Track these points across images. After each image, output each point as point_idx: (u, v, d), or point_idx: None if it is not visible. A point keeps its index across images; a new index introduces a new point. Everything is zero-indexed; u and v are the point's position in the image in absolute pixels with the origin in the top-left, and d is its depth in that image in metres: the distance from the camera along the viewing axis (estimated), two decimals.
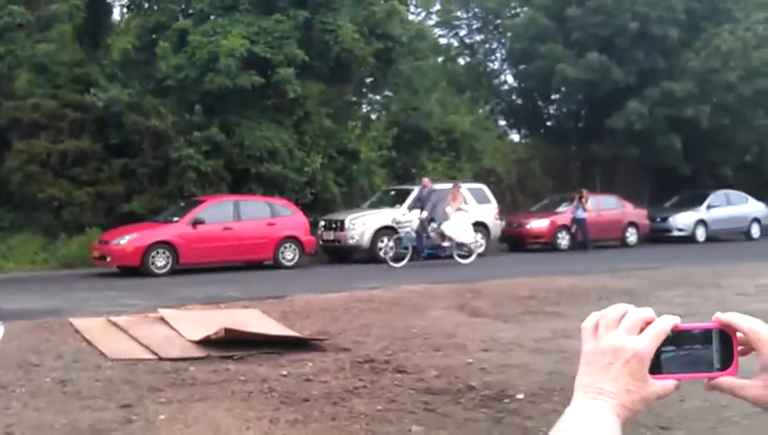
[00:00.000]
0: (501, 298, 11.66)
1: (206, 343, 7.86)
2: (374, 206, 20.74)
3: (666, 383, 0.93)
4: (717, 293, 11.82)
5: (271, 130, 20.93)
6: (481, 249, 20.64)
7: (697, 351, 0.94)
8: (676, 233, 24.52)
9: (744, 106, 26.51)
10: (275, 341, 8.03)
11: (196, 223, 17.48)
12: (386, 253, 17.84)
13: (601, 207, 23.32)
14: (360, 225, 19.18)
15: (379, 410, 5.86)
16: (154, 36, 21.81)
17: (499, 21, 32.31)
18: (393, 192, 21.42)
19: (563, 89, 29.91)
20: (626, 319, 0.94)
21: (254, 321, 8.96)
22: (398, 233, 18.29)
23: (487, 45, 33.80)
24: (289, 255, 18.37)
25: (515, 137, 33.32)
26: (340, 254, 19.75)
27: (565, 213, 22.76)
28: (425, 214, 17.95)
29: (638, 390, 0.92)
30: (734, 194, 26.04)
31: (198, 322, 8.70)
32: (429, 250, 18.06)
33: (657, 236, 24.28)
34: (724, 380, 0.95)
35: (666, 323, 0.93)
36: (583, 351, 0.96)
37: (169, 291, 13.36)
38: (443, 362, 7.39)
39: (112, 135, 20.37)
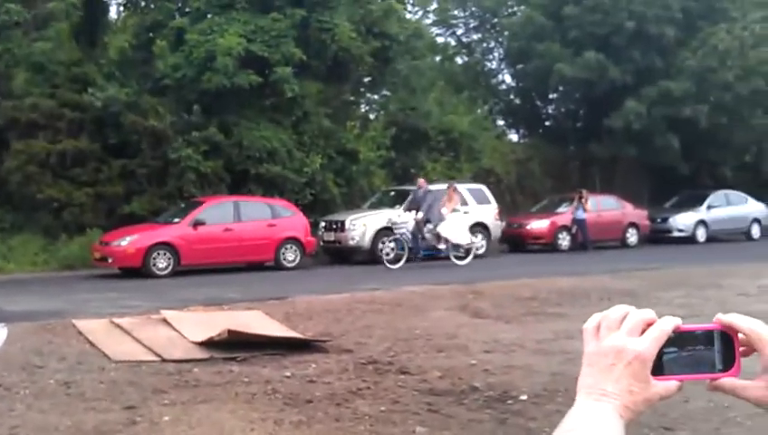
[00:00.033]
0: (502, 299, 11.67)
1: (209, 344, 7.86)
2: (374, 206, 20.71)
3: (668, 384, 0.94)
4: (718, 293, 11.84)
5: (269, 130, 20.92)
6: (481, 250, 20.69)
7: (699, 352, 0.95)
8: (676, 233, 24.53)
9: (742, 105, 26.52)
10: (278, 342, 8.03)
11: (196, 224, 17.47)
12: (387, 254, 17.78)
13: (601, 207, 23.32)
14: (361, 226, 19.15)
15: (383, 411, 5.87)
16: (151, 35, 21.78)
17: (496, 20, 32.29)
18: (393, 193, 21.40)
19: (561, 88, 29.90)
20: (627, 320, 0.94)
21: (257, 322, 8.96)
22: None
23: (485, 44, 33.79)
24: (290, 256, 18.36)
25: (514, 137, 33.33)
26: (341, 255, 19.73)
27: (565, 213, 22.75)
28: (420, 215, 17.87)
29: (641, 391, 0.92)
30: (734, 194, 26.05)
31: (201, 323, 8.71)
32: (425, 251, 18.00)
33: (657, 236, 24.27)
34: (726, 381, 0.95)
35: (667, 325, 0.93)
36: (585, 352, 0.96)
37: (171, 292, 13.36)
38: (446, 364, 7.39)
39: (111, 135, 20.35)
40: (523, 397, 6.17)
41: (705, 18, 27.11)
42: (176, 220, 17.81)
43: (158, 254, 16.92)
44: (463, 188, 21.34)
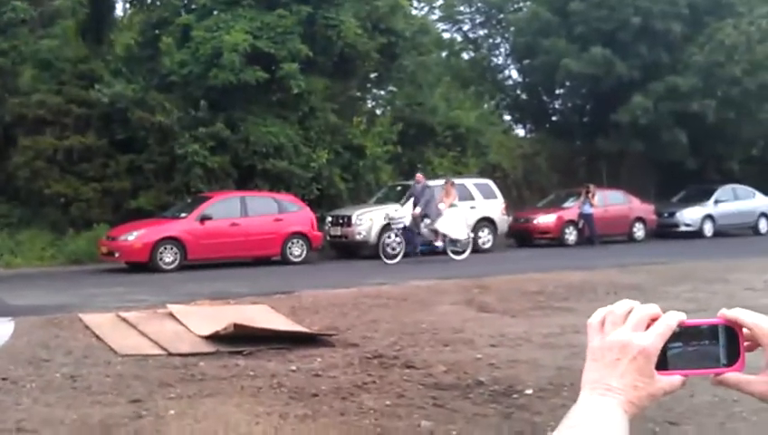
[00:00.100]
0: (509, 293, 11.66)
1: (215, 338, 7.87)
2: (380, 201, 20.71)
3: (672, 379, 0.94)
4: (725, 288, 11.80)
5: (276, 126, 20.93)
6: (488, 245, 20.72)
7: (704, 347, 0.95)
8: (683, 228, 24.46)
9: (750, 100, 26.43)
10: (284, 336, 8.04)
11: (203, 219, 17.52)
12: (393, 248, 17.76)
13: (608, 202, 23.27)
14: (367, 220, 19.14)
15: (388, 405, 5.86)
16: (157, 32, 21.81)
17: (502, 15, 32.25)
18: (399, 188, 21.38)
19: (568, 83, 29.86)
20: (632, 315, 0.95)
21: (263, 316, 8.98)
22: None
23: (491, 40, 33.76)
24: (296, 250, 18.40)
25: (520, 132, 33.29)
26: (348, 249, 19.75)
27: (572, 208, 22.73)
28: (418, 210, 17.80)
29: (646, 386, 0.92)
30: (742, 189, 25.96)
31: (207, 317, 8.72)
32: (423, 246, 17.93)
33: (664, 231, 24.21)
34: (731, 376, 0.95)
35: (672, 320, 0.94)
36: (590, 347, 0.96)
37: (177, 287, 13.38)
38: (451, 358, 7.39)
39: (118, 131, 20.41)
40: (529, 391, 6.15)
41: (711, 13, 27.02)
42: (182, 215, 17.85)
43: (165, 248, 16.97)
44: (470, 182, 21.35)
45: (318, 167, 21.19)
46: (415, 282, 13.10)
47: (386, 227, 18.75)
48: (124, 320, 8.93)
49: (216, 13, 21.29)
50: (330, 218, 19.99)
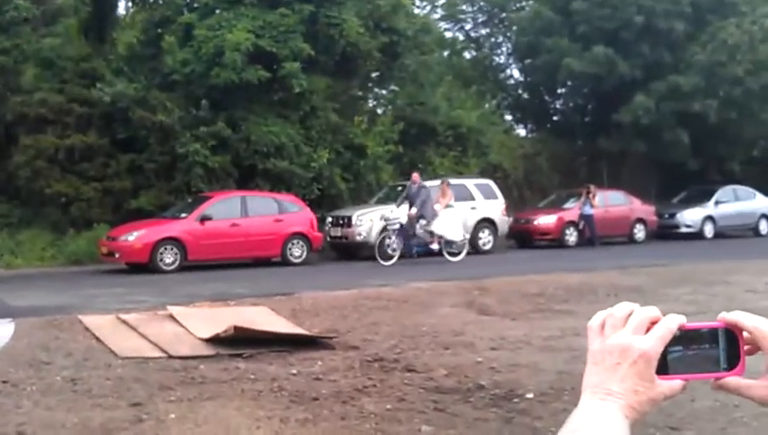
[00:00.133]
0: (509, 295, 11.66)
1: (215, 341, 7.87)
2: (381, 202, 20.67)
3: (673, 384, 0.93)
4: (726, 290, 11.80)
5: (277, 126, 20.92)
6: (488, 246, 20.70)
7: (704, 351, 0.94)
8: (683, 229, 24.45)
9: (752, 100, 26.42)
10: (285, 339, 8.04)
11: (203, 219, 17.51)
12: (393, 250, 17.73)
13: (609, 203, 23.25)
14: (368, 221, 19.12)
15: (389, 409, 5.86)
16: (159, 30, 21.81)
17: (504, 14, 32.27)
18: (400, 188, 21.32)
19: (569, 83, 29.85)
20: (632, 318, 0.94)
21: (264, 319, 8.97)
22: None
23: (493, 39, 33.77)
24: (297, 251, 18.39)
25: (522, 132, 33.28)
26: (348, 250, 19.73)
27: (573, 209, 22.71)
28: (414, 210, 17.71)
29: (646, 390, 0.92)
30: (742, 190, 25.94)
31: (208, 319, 8.72)
32: (419, 248, 17.86)
33: (664, 232, 24.21)
34: (731, 380, 0.94)
35: (672, 323, 0.93)
36: (590, 350, 0.96)
37: (178, 288, 13.37)
38: (452, 361, 7.38)
39: (119, 130, 20.41)
40: (530, 395, 6.15)
41: (714, 13, 27.00)
42: (183, 215, 17.84)
43: (165, 249, 16.96)
44: (470, 183, 21.33)
45: (319, 166, 21.18)
46: (415, 284, 13.09)
47: (385, 228, 18.72)
48: (124, 322, 8.93)
49: (218, 12, 21.28)
50: (330, 219, 19.97)
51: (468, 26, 33.84)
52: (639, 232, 23.71)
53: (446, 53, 32.04)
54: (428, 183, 18.80)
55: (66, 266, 18.24)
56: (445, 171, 23.51)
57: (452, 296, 11.69)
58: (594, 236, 21.97)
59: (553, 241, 22.33)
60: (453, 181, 20.71)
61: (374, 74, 25.37)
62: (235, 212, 18.05)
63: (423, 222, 17.72)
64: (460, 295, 11.73)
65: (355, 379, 6.74)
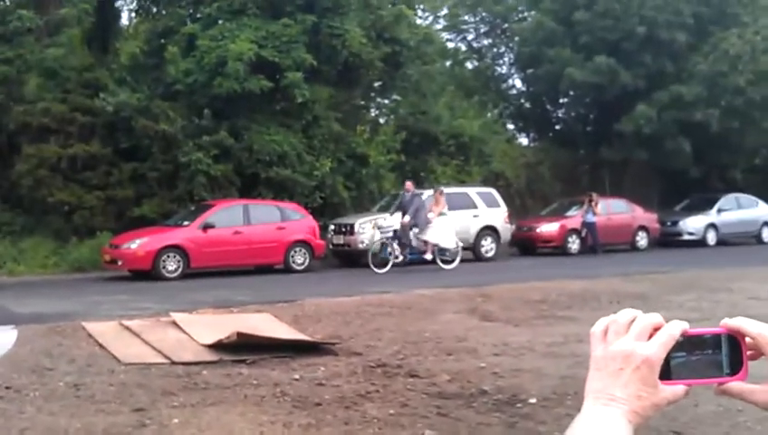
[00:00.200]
0: (512, 302, 11.65)
1: (218, 347, 7.87)
2: (383, 210, 20.68)
3: (676, 389, 0.94)
4: (729, 297, 11.78)
5: (280, 135, 20.96)
6: (491, 253, 20.71)
7: (707, 356, 0.94)
8: (686, 237, 24.44)
9: (753, 109, 26.46)
10: (287, 345, 8.03)
11: (206, 227, 17.52)
12: (396, 257, 17.73)
13: (611, 210, 23.25)
14: (370, 229, 19.13)
15: (392, 414, 5.86)
16: (162, 41, 21.86)
17: (506, 25, 32.34)
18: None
19: (572, 92, 29.90)
20: (635, 324, 0.94)
21: (266, 325, 8.97)
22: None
23: (495, 49, 33.84)
24: (299, 259, 18.40)
25: (524, 141, 33.33)
26: (350, 258, 19.73)
27: (575, 217, 22.71)
28: (407, 218, 17.70)
29: (649, 396, 0.92)
30: (745, 198, 25.94)
31: (210, 326, 8.72)
32: (412, 255, 17.84)
33: (667, 240, 24.20)
34: (734, 385, 0.95)
35: (675, 329, 0.93)
36: (593, 356, 0.96)
37: (181, 295, 13.38)
38: (455, 367, 7.38)
39: (122, 139, 20.45)
40: (533, 400, 6.14)
41: (716, 23, 27.05)
42: (185, 223, 17.86)
43: (168, 256, 16.98)
44: (473, 191, 21.35)
45: (321, 175, 21.21)
46: (418, 290, 13.09)
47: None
48: (127, 328, 8.93)
49: (221, 22, 21.34)
50: (332, 227, 19.98)
51: (470, 37, 33.96)
52: (642, 240, 23.70)
53: (448, 63, 32.11)
54: (428, 192, 18.77)
55: (69, 274, 18.24)
56: (447, 180, 23.54)
57: (455, 303, 11.69)
58: (597, 243, 21.96)
59: (556, 249, 22.32)
60: (456, 190, 20.73)
61: (376, 84, 25.41)
62: (237, 220, 18.07)
63: (416, 230, 17.69)
64: (463, 302, 11.72)
65: (358, 384, 6.74)
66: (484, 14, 32.79)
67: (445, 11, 32.87)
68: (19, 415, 5.89)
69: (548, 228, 22.50)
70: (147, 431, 5.49)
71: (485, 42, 33.81)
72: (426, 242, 17.73)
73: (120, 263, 16.99)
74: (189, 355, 7.76)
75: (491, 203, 21.23)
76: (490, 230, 20.87)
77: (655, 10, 25.87)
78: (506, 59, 33.77)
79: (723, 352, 0.94)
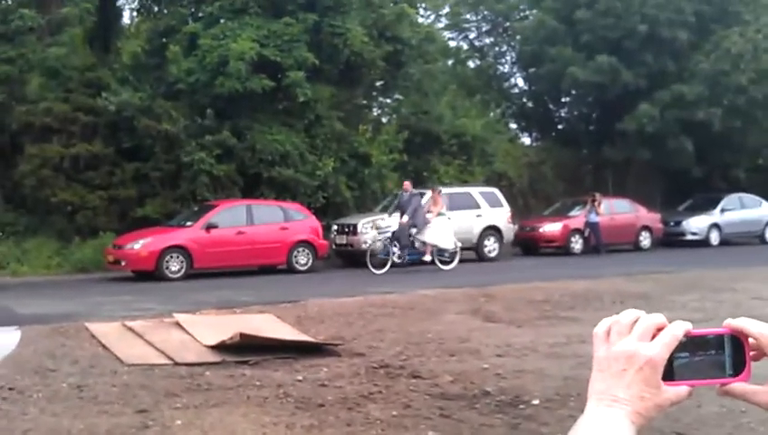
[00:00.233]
0: (515, 303, 11.65)
1: (221, 348, 7.88)
2: (386, 210, 20.66)
3: (679, 390, 0.93)
4: (732, 297, 11.78)
5: (282, 134, 20.95)
6: (494, 253, 20.70)
7: (710, 357, 0.94)
8: (689, 237, 24.40)
9: (756, 108, 26.42)
10: (290, 346, 8.04)
11: (209, 227, 17.53)
12: (399, 257, 17.71)
13: (614, 210, 23.22)
14: (373, 229, 19.11)
15: (395, 415, 5.86)
16: (164, 40, 21.85)
17: (508, 24, 32.30)
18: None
19: (574, 92, 29.86)
20: (638, 325, 0.94)
21: (269, 326, 8.97)
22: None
23: (497, 48, 33.80)
24: (302, 259, 18.40)
25: (526, 140, 33.29)
26: (353, 258, 19.69)
27: (578, 217, 22.69)
28: (405, 219, 17.60)
29: (652, 397, 0.91)
30: (748, 197, 25.90)
31: (213, 326, 8.72)
32: (410, 256, 17.78)
33: (670, 239, 24.18)
34: (737, 386, 0.94)
35: (678, 330, 0.93)
36: (596, 357, 0.96)
37: (184, 295, 13.39)
38: (458, 368, 7.38)
39: (124, 139, 20.45)
40: (536, 401, 6.14)
41: (717, 21, 27.01)
42: (188, 223, 17.87)
43: (171, 257, 16.99)
44: (475, 191, 21.35)
45: (324, 175, 21.20)
46: (421, 291, 13.09)
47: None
48: (130, 329, 8.94)
49: (222, 21, 21.34)
50: (335, 227, 19.98)
51: (472, 35, 33.92)
52: (645, 239, 23.67)
53: (450, 62, 32.08)
54: (429, 193, 18.75)
55: (72, 274, 18.26)
56: (450, 180, 23.53)
57: (458, 303, 11.69)
58: (600, 243, 21.94)
59: (559, 249, 22.30)
60: (458, 190, 20.72)
61: (378, 83, 25.41)
62: (240, 220, 18.08)
63: (414, 231, 17.69)
64: (466, 303, 11.72)
65: (361, 385, 6.74)
66: (485, 12, 32.75)
67: (446, 9, 32.83)
68: (22, 416, 5.90)
69: (551, 228, 22.48)
70: (150, 433, 5.50)
71: (487, 40, 33.78)
72: (424, 243, 17.71)
73: (123, 263, 17.00)
74: (192, 356, 7.77)
75: (494, 203, 21.22)
76: (493, 230, 20.86)
77: (656, 8, 25.83)
78: (508, 58, 33.75)
79: (726, 352, 0.94)
